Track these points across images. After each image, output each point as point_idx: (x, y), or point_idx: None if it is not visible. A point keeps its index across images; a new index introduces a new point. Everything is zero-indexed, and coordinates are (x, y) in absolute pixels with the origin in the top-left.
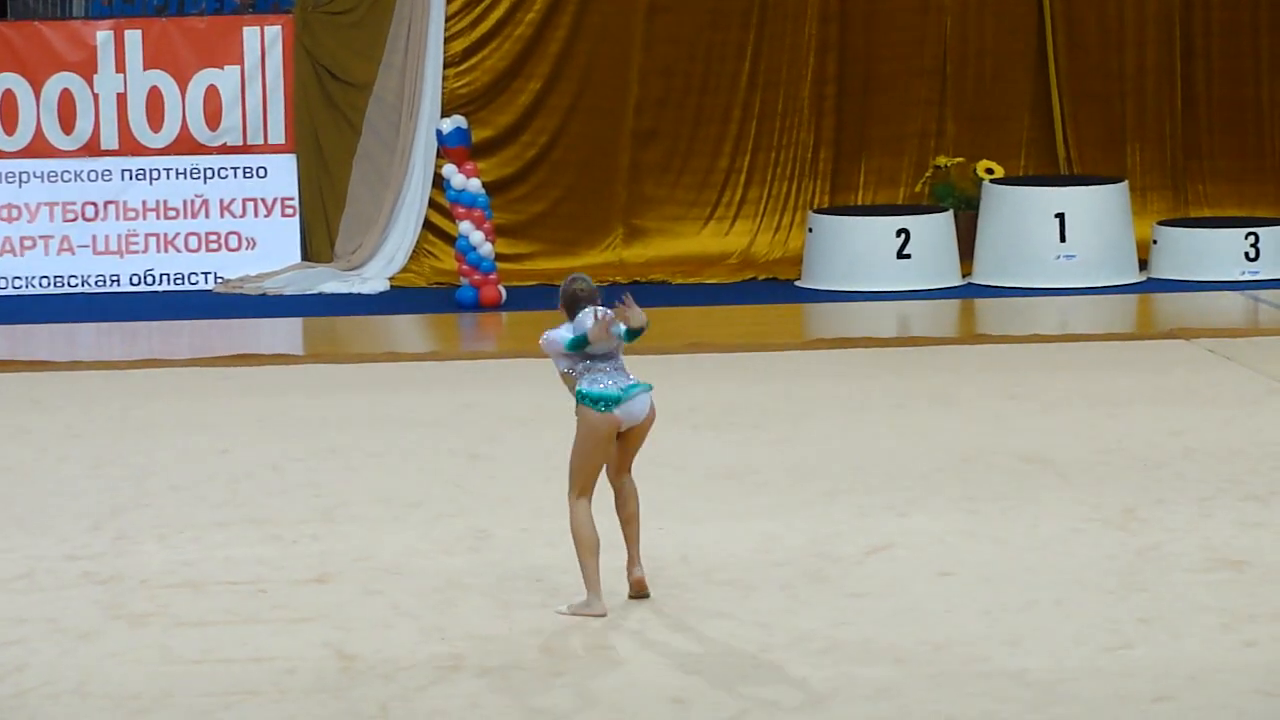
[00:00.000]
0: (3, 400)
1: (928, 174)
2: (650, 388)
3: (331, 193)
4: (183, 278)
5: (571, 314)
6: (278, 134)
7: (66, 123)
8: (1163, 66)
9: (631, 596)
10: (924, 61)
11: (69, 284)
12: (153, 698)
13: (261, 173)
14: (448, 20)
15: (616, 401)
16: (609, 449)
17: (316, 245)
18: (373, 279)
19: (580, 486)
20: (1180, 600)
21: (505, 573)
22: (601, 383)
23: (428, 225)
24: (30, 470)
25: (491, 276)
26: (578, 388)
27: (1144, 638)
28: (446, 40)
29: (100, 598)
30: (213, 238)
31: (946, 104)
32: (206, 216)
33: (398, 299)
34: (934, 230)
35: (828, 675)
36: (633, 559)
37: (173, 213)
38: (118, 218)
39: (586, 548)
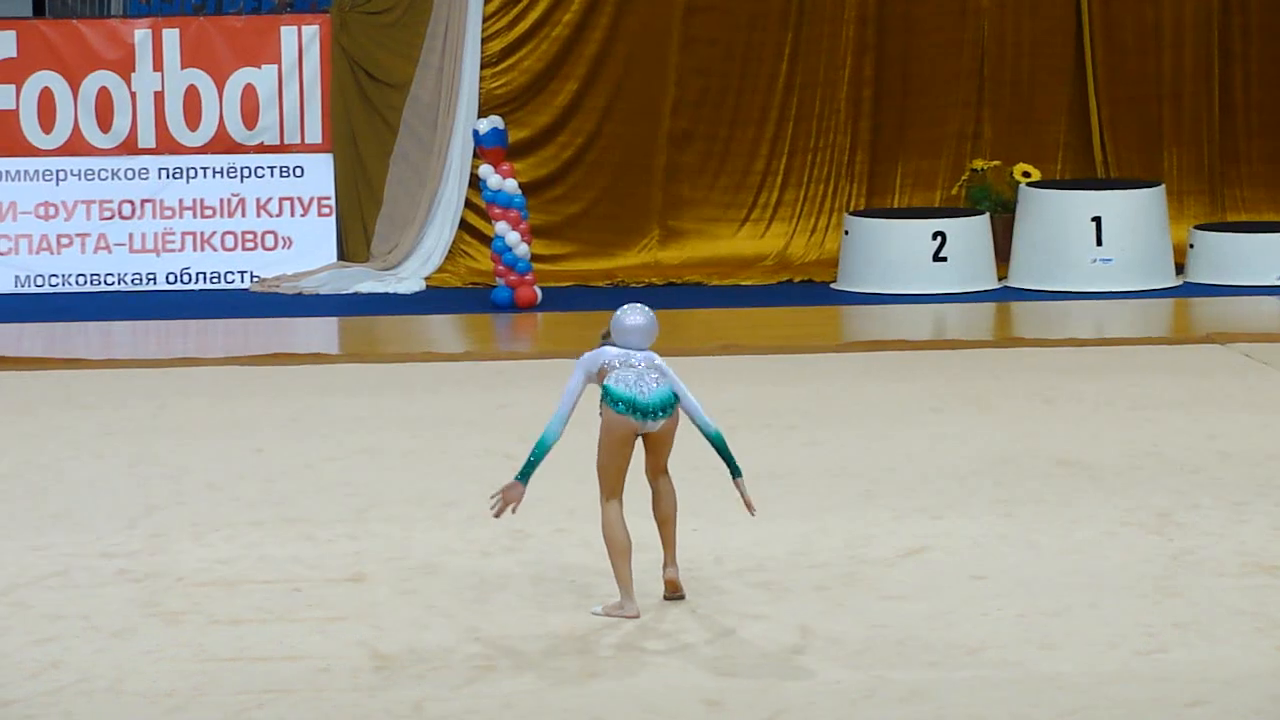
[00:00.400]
0: (39, 398)
1: (964, 177)
2: (672, 402)
3: (368, 192)
4: (219, 276)
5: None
6: (314, 133)
7: (104, 121)
8: (1200, 70)
9: (666, 598)
10: (961, 64)
11: (105, 282)
12: (187, 695)
13: (298, 172)
14: (485, 20)
15: (634, 408)
16: (628, 450)
17: (353, 245)
18: (409, 279)
19: (608, 488)
20: (1215, 605)
21: (540, 573)
22: (627, 383)
23: (464, 225)
24: (66, 468)
25: (527, 277)
26: (605, 383)
27: (1179, 642)
28: (484, 40)
29: (135, 595)
30: (249, 237)
31: (983, 107)
32: (243, 215)
33: (433, 299)
34: (970, 233)
35: (862, 678)
36: (667, 560)
37: (209, 211)
38: (154, 216)
39: (617, 550)
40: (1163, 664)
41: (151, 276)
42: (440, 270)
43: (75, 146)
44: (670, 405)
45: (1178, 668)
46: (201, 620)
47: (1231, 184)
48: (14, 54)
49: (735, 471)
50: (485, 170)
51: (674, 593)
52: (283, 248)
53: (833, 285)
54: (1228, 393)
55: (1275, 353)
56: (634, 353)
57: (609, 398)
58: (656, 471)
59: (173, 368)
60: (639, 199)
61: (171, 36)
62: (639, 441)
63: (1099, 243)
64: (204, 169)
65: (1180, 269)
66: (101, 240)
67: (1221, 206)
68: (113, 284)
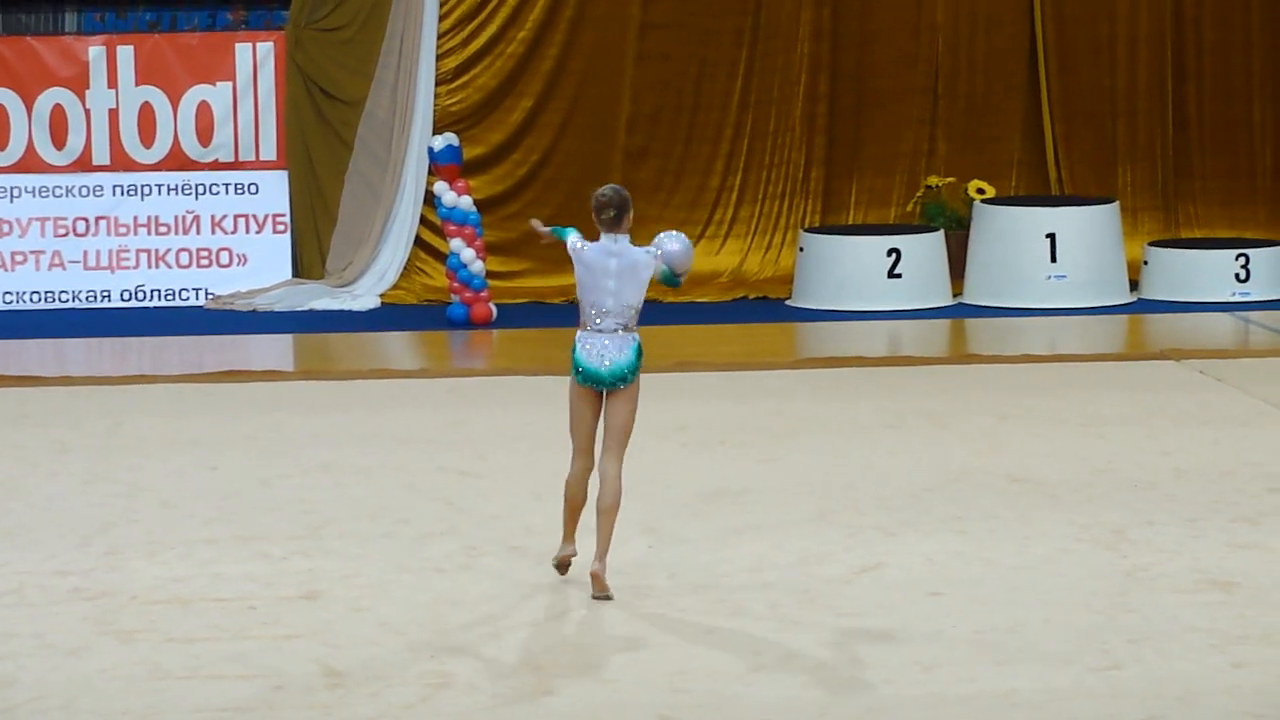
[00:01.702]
0: None
1: (919, 194)
2: (630, 376)
3: (323, 209)
4: (174, 294)
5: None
6: (269, 150)
7: (58, 138)
8: (1154, 86)
9: (593, 597)
10: (916, 81)
11: (60, 299)
12: (141, 714)
13: (253, 189)
14: (440, 37)
15: (588, 377)
16: (590, 407)
17: (308, 262)
18: (364, 296)
19: (575, 446)
20: (1170, 621)
21: (494, 590)
22: (588, 348)
23: (419, 242)
24: (20, 485)
25: (483, 294)
26: (574, 347)
27: (1133, 658)
28: (439, 57)
29: (89, 613)
30: (204, 254)
31: (938, 124)
32: (198, 232)
33: (389, 316)
34: (925, 250)
35: (816, 695)
36: (597, 553)
37: (164, 229)
38: (109, 233)
39: (568, 504)
40: (1117, 680)
41: (106, 294)
42: (395, 287)
43: (29, 163)
44: (630, 374)
45: (1132, 684)
46: (156, 638)
47: (1185, 200)
48: None
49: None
50: (440, 187)
51: (600, 591)
52: (238, 265)
53: (788, 302)
54: (1182, 409)
55: (1229, 369)
56: (605, 258)
57: (574, 364)
58: (605, 449)
59: (127, 385)
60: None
61: (126, 53)
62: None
63: (1053, 259)
64: (159, 186)
65: (1134, 285)
66: (56, 257)
67: (1175, 223)
68: (67, 301)
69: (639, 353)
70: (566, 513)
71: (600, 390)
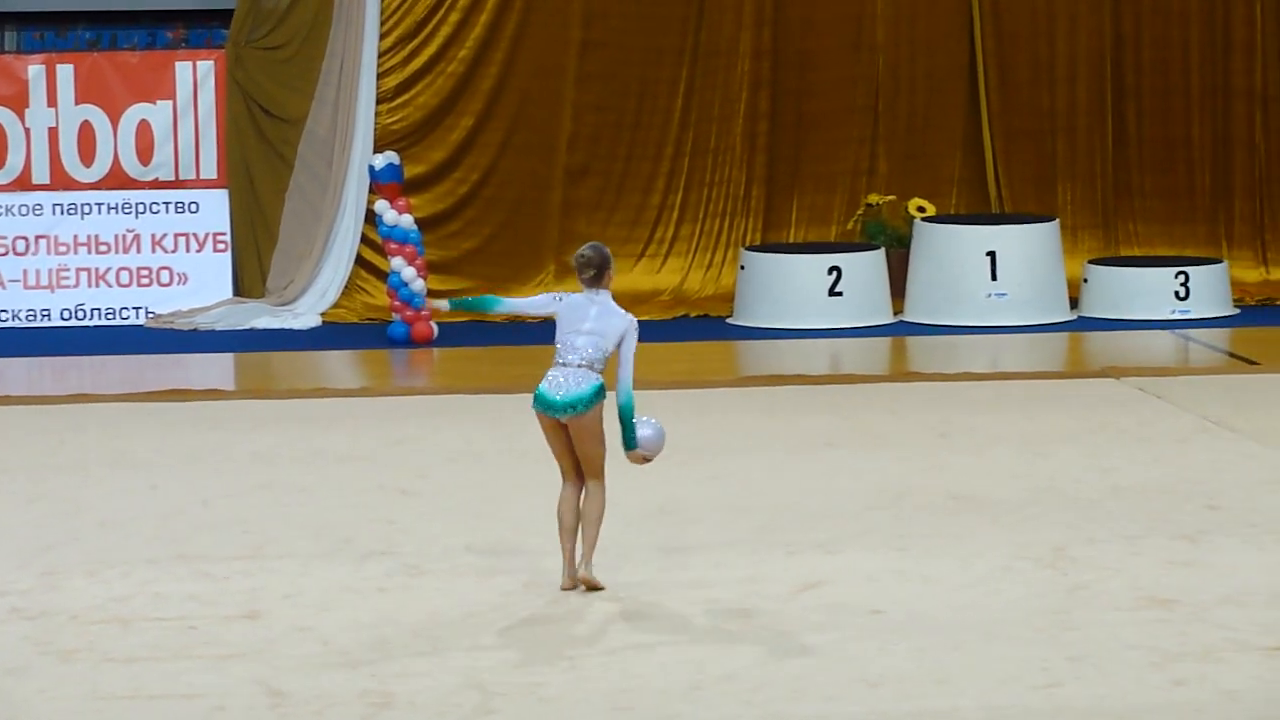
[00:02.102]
0: None
1: (860, 212)
2: (581, 407)
3: (264, 228)
4: (114, 313)
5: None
6: (210, 169)
7: None
8: (1094, 105)
9: (586, 590)
10: (856, 99)
11: None
12: None
13: (194, 208)
14: (380, 56)
15: (544, 404)
16: (557, 436)
17: (248, 280)
18: (305, 314)
19: (560, 470)
20: (1110, 639)
21: (436, 609)
22: (549, 378)
23: (360, 261)
24: None
25: (423, 313)
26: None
27: (1073, 676)
28: (379, 76)
29: (29, 633)
30: (144, 273)
31: (878, 142)
32: (138, 251)
33: (330, 334)
34: (866, 268)
35: (757, 714)
36: (584, 557)
37: (104, 247)
38: (49, 252)
39: (560, 528)
40: (1058, 698)
41: (46, 313)
42: (336, 306)
43: None
44: (581, 405)
45: (1073, 702)
46: (96, 658)
47: (1125, 218)
48: None
49: (629, 444)
50: (381, 205)
51: (592, 587)
52: (178, 284)
53: (729, 320)
54: (1122, 427)
55: (1169, 386)
56: (586, 305)
57: (534, 393)
58: (586, 471)
59: (68, 404)
60: (535, 234)
61: (66, 72)
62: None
63: (994, 277)
64: (99, 205)
65: (1074, 303)
66: None
67: (1115, 241)
68: (6, 320)
69: (598, 391)
70: (560, 537)
71: (558, 418)
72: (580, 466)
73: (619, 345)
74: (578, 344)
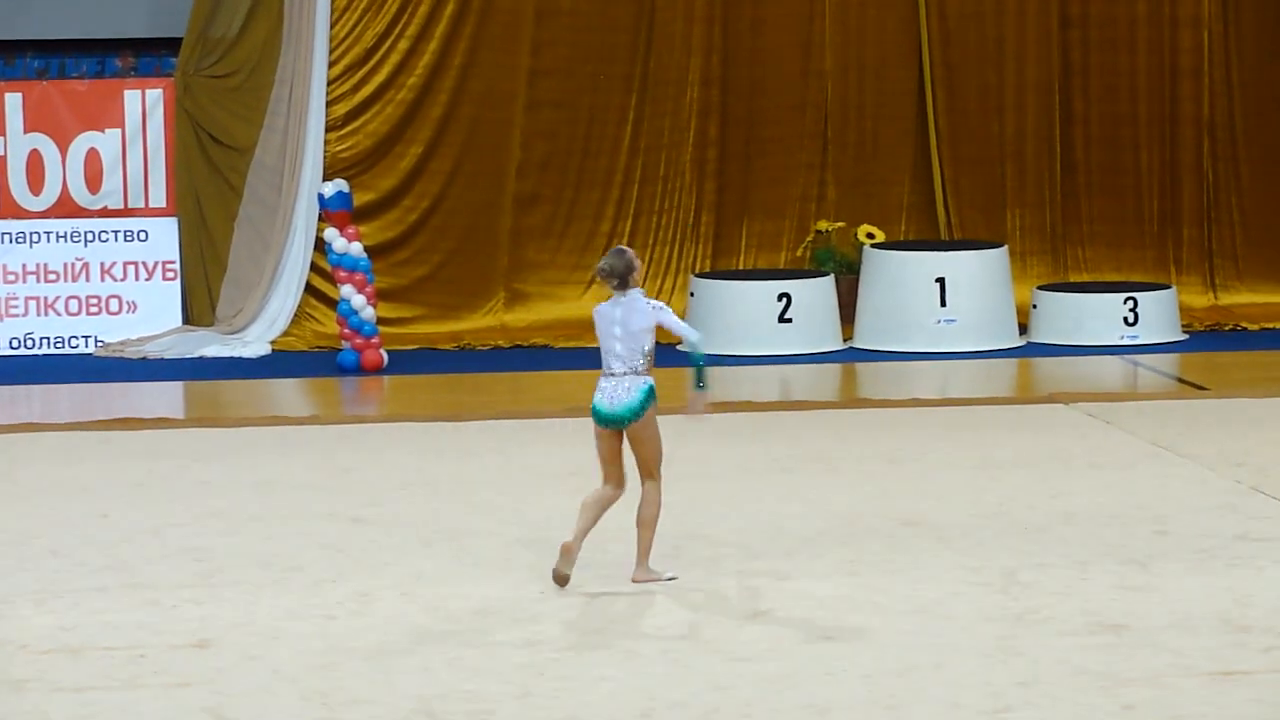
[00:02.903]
0: None
1: (809, 238)
2: (632, 417)
3: (213, 256)
4: (63, 341)
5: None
6: (159, 197)
7: None
8: (1042, 132)
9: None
10: (805, 126)
11: None
12: None
13: (142, 236)
14: (329, 84)
15: (599, 417)
16: (605, 443)
17: (198, 309)
18: (254, 343)
19: (601, 471)
20: (1059, 664)
21: (386, 637)
22: (601, 390)
23: (309, 289)
24: None
25: (373, 340)
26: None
27: (1023, 701)
28: (328, 104)
29: None
30: (93, 301)
31: (827, 168)
32: (87, 280)
33: (279, 363)
34: (815, 294)
35: None
36: (638, 560)
37: (53, 276)
38: None
39: (580, 510)
40: None
41: None
42: (286, 334)
43: None
44: (632, 414)
45: None
46: (45, 688)
47: (1073, 244)
48: None
49: (698, 384)
50: (330, 234)
51: (654, 578)
52: (127, 312)
53: (679, 347)
54: (1071, 452)
55: (1117, 412)
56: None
57: (592, 405)
58: (641, 473)
59: (17, 433)
60: (485, 262)
61: (14, 100)
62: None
63: (943, 303)
64: (47, 233)
65: (1023, 329)
66: None
67: (1064, 266)
68: None
69: (648, 394)
70: (578, 517)
71: (614, 428)
72: (620, 474)
73: (657, 328)
74: (617, 351)
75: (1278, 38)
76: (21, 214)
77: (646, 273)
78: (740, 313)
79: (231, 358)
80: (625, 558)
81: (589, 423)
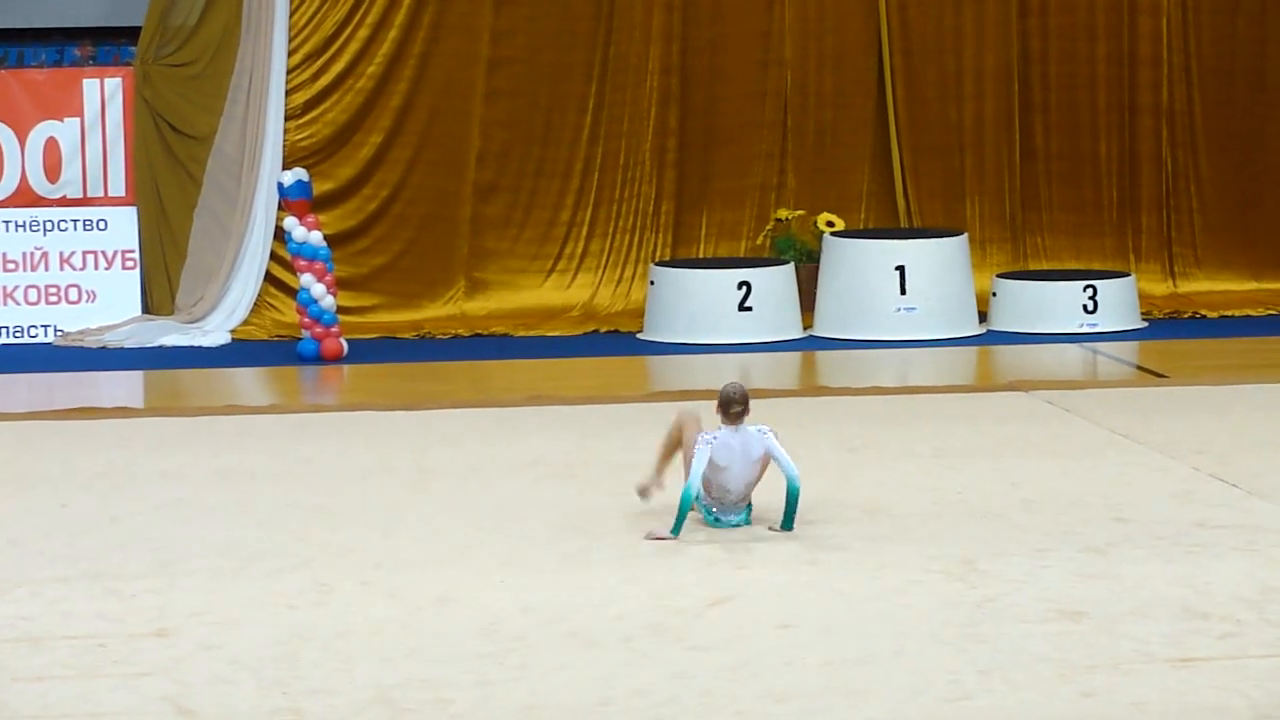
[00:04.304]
0: None
1: (769, 227)
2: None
3: (172, 245)
4: (22, 330)
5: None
6: (118, 186)
7: None
8: (1001, 120)
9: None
10: (764, 115)
11: None
12: None
13: (102, 225)
14: (289, 73)
15: (709, 520)
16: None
17: (157, 298)
18: (214, 332)
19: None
20: (1019, 651)
21: (346, 626)
22: (718, 512)
23: (269, 278)
24: None
25: (333, 329)
26: (703, 502)
27: (983, 689)
28: (288, 93)
29: None
30: (52, 290)
31: (787, 157)
32: (46, 269)
33: (239, 352)
34: (775, 283)
35: None
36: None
37: (12, 265)
38: None
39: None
40: (967, 711)
41: None
42: (246, 323)
43: None
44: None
45: (982, 714)
46: (4, 678)
47: (1033, 232)
48: None
49: (787, 523)
50: (290, 223)
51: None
52: (87, 301)
53: (639, 335)
54: (1030, 440)
55: (1077, 400)
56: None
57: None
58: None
59: None
60: (445, 251)
61: None
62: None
63: (903, 291)
64: (6, 223)
65: (983, 317)
66: None
67: (1023, 254)
68: None
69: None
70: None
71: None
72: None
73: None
74: (729, 487)
75: (1236, 24)
76: None
77: (606, 260)
78: (700, 301)
79: (191, 347)
80: (586, 548)
81: (553, 411)
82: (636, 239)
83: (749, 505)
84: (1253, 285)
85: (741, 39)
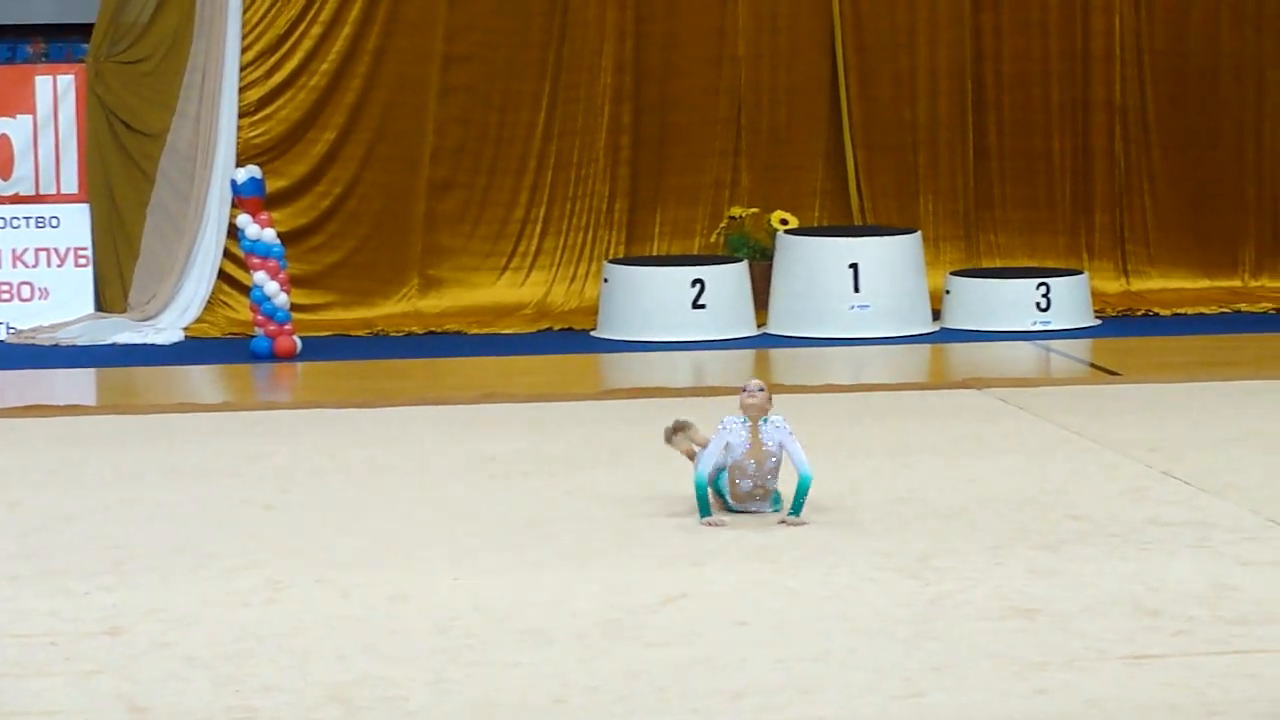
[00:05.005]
0: None
1: (723, 224)
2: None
3: (125, 243)
4: None
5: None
6: (71, 184)
7: None
8: (955, 118)
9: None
10: (718, 112)
11: None
12: None
13: (54, 222)
14: (243, 70)
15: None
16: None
17: (110, 296)
18: (167, 329)
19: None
20: (972, 649)
21: (299, 624)
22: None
23: (222, 275)
24: None
25: (287, 327)
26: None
27: (937, 686)
28: (241, 90)
29: None
30: (5, 288)
31: (741, 154)
32: None
33: (192, 349)
34: (729, 280)
35: None
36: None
37: None
38: None
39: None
40: (920, 708)
41: None
42: (199, 320)
43: None
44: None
45: (935, 711)
46: None
47: (986, 230)
48: None
49: (796, 510)
50: (243, 220)
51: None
52: (39, 299)
53: (593, 333)
54: (984, 438)
55: (1030, 397)
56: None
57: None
58: None
59: None
60: (398, 248)
61: None
62: None
63: (856, 289)
64: None
65: (937, 315)
66: None
67: (977, 252)
68: None
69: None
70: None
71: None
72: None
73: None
74: (740, 479)
75: (1189, 21)
76: None
77: (560, 258)
78: (654, 299)
79: (144, 344)
80: (540, 545)
81: (507, 409)
82: (590, 236)
83: (775, 495)
84: (1206, 283)
85: (695, 36)
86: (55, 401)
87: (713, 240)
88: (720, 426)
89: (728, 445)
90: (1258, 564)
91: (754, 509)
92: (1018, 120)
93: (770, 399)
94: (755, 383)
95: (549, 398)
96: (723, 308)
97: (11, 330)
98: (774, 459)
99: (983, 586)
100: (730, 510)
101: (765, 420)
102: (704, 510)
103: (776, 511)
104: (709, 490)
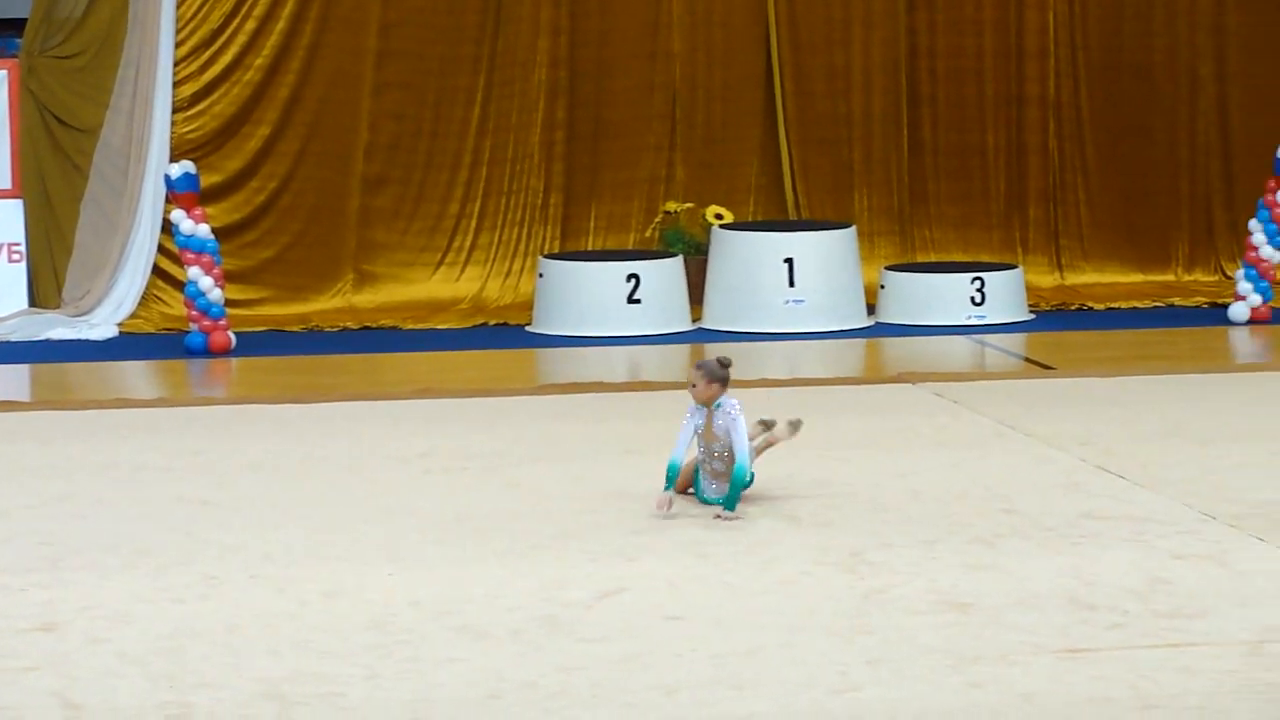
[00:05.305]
0: None
1: (657, 219)
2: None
3: (59, 238)
4: None
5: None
6: (3, 179)
7: None
8: (889, 113)
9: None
10: (653, 107)
11: None
12: None
13: None
14: (176, 65)
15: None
16: None
17: (44, 291)
18: (101, 325)
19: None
20: (907, 643)
21: (234, 620)
22: (704, 483)
23: (157, 271)
24: None
25: (221, 322)
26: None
27: (871, 680)
28: (175, 85)
29: None
30: None
31: (676, 150)
32: None
33: (127, 345)
34: (664, 275)
35: None
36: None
37: None
38: None
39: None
40: (855, 702)
41: None
42: (133, 316)
43: None
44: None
45: (870, 706)
46: None
47: (921, 225)
48: None
49: (729, 503)
50: (177, 215)
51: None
52: None
53: (528, 328)
54: (918, 431)
55: (965, 391)
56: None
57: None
58: None
59: None
60: (333, 243)
61: None
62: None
63: (791, 284)
64: None
65: (871, 309)
66: None
67: (911, 247)
68: None
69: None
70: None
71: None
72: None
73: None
74: (703, 456)
75: (1122, 18)
76: None
77: (495, 253)
78: (589, 294)
79: (78, 340)
80: (475, 540)
81: (442, 404)
82: (525, 231)
83: (732, 488)
84: (1139, 277)
85: (630, 31)
86: None
87: (648, 235)
88: (687, 411)
89: (697, 429)
90: (1191, 558)
91: (710, 498)
92: (952, 116)
93: (714, 383)
94: (696, 371)
95: (484, 393)
96: (658, 303)
97: None
98: (722, 445)
99: (917, 580)
100: (704, 503)
101: (718, 405)
102: (668, 486)
103: (718, 504)
104: (689, 484)
